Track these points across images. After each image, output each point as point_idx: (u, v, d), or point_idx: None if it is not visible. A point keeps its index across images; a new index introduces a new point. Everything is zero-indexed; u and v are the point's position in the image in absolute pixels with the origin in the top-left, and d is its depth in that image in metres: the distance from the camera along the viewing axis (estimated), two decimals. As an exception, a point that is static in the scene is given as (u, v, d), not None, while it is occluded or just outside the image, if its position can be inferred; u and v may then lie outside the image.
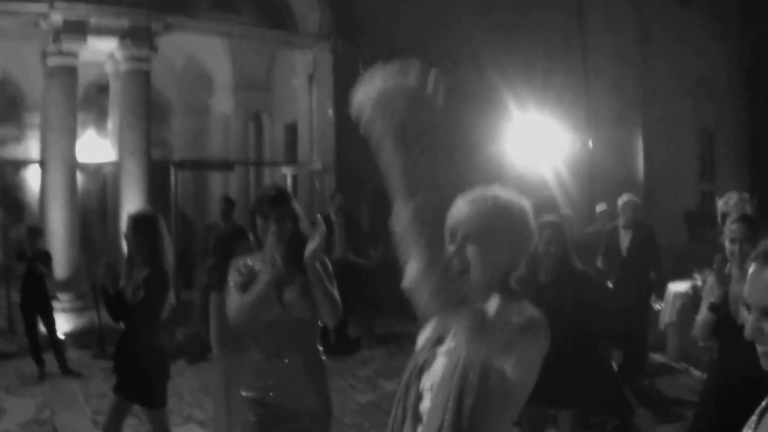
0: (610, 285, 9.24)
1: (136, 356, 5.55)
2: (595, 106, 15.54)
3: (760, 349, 1.89)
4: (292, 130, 17.73)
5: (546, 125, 14.34)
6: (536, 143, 14.43)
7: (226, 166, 17.39)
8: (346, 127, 15.10)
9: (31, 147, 18.01)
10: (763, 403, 1.97)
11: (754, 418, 1.97)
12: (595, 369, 5.65)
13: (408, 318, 10.42)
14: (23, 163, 17.75)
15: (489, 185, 2.55)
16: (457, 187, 2.62)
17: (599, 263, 9.70)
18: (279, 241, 4.18)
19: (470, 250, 2.43)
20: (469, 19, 14.28)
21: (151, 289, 5.44)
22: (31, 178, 18.04)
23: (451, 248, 2.46)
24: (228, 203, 11.56)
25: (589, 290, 5.70)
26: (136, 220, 5.70)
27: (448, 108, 2.31)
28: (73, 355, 10.64)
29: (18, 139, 18.26)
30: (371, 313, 11.98)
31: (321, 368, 4.30)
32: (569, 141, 15.07)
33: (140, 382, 5.51)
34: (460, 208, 2.49)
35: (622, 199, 9.88)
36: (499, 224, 2.43)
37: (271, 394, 4.10)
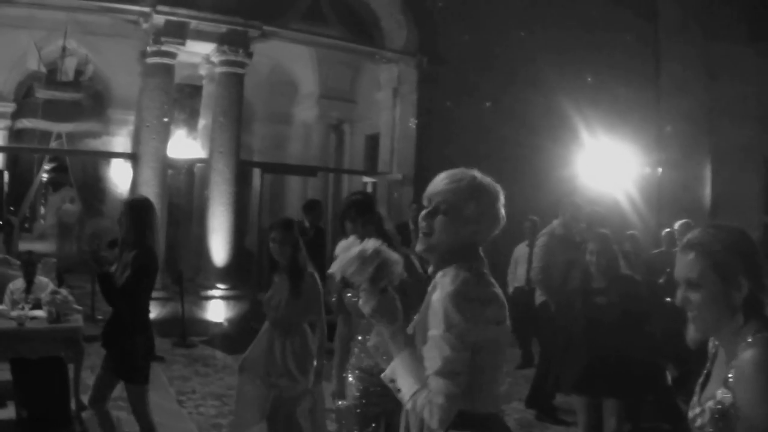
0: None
1: (121, 334, 5.72)
2: (664, 133, 15.72)
3: (689, 315, 2.47)
4: (372, 141, 18.08)
5: (617, 149, 14.57)
6: (607, 167, 14.66)
7: (309, 171, 17.72)
8: (426, 141, 15.43)
9: (115, 142, 18.57)
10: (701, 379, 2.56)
11: (697, 388, 2.56)
12: (643, 366, 6.04)
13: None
14: (111, 156, 18.26)
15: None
16: None
17: (661, 281, 9.90)
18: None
19: (438, 219, 2.74)
20: (546, 43, 14.54)
21: (136, 269, 5.59)
22: (114, 172, 18.62)
23: (423, 213, 2.79)
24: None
25: (636, 291, 6.19)
26: (130, 205, 5.87)
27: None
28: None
29: (102, 134, 18.80)
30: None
31: None
32: (639, 165, 15.27)
33: (124, 359, 5.70)
34: (440, 180, 2.79)
35: (678, 223, 10.17)
36: (469, 202, 2.73)
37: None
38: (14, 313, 7.60)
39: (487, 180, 2.81)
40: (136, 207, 5.82)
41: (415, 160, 15.87)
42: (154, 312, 12.35)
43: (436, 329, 2.56)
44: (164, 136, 13.80)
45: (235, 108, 14.22)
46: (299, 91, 19.48)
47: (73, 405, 7.45)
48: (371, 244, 2.70)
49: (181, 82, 15.15)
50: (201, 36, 13.89)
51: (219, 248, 13.73)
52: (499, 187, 2.83)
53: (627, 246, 9.51)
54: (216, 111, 14.28)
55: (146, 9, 13.49)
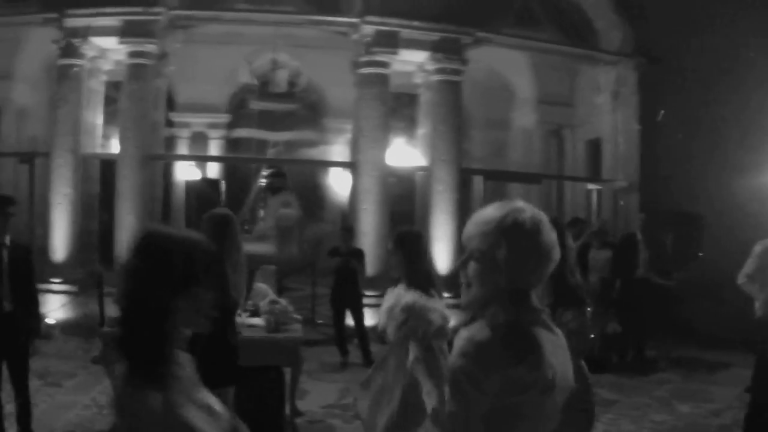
0: None
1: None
2: None
3: None
4: (594, 147, 17.57)
5: None
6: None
7: (532, 178, 17.43)
8: (651, 146, 14.78)
9: (332, 151, 18.99)
10: None
11: None
12: None
13: (702, 344, 9.93)
14: (330, 165, 18.65)
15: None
16: None
17: None
18: None
19: (471, 267, 2.48)
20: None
21: None
22: (332, 179, 18.99)
23: (458, 262, 2.55)
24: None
25: None
26: (205, 217, 6.13)
27: None
28: (374, 348, 11.05)
29: (319, 142, 19.25)
30: (669, 336, 11.63)
31: None
32: None
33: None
34: (470, 223, 2.52)
35: None
36: (499, 247, 2.40)
37: None
38: (233, 321, 7.69)
39: (527, 215, 2.45)
40: (210, 221, 6.07)
41: (640, 165, 15.29)
42: (374, 319, 12.47)
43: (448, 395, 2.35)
44: (382, 144, 13.92)
45: (454, 116, 14.19)
46: (516, 97, 19.16)
47: (287, 410, 7.50)
48: (408, 298, 2.47)
49: (396, 90, 15.20)
50: (413, 44, 13.94)
51: (443, 256, 13.55)
52: (544, 221, 2.49)
53: None
54: (435, 119, 14.26)
55: (355, 20, 13.72)
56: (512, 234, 2.41)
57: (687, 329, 11.87)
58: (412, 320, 2.44)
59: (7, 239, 6.45)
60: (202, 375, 5.74)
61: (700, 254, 12.55)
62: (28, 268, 6.65)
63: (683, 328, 11.80)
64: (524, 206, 2.50)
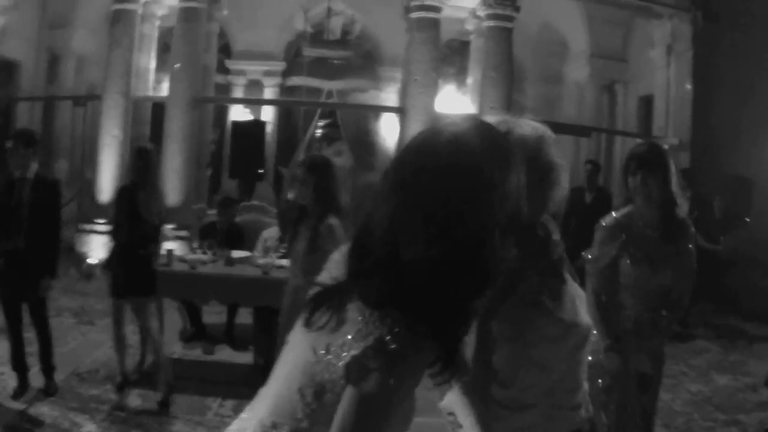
0: None
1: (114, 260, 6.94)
2: None
3: None
4: (646, 103, 17.22)
5: None
6: None
7: (581, 131, 17.16)
8: (704, 104, 14.48)
9: (384, 99, 18.89)
10: None
11: None
12: None
13: (745, 315, 9.72)
14: (378, 110, 18.62)
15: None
16: None
17: None
18: (647, 200, 4.27)
19: None
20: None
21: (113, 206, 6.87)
22: (384, 127, 18.98)
23: None
24: (595, 166, 12.13)
25: None
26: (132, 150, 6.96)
27: None
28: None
29: (371, 90, 19.23)
30: (711, 303, 11.43)
31: None
32: None
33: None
34: None
35: None
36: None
37: None
38: (261, 261, 7.76)
39: (526, 131, 2.30)
40: (133, 153, 7.12)
41: (692, 124, 14.97)
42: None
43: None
44: (432, 90, 13.83)
45: (505, 63, 13.99)
46: (569, 50, 18.91)
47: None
48: None
49: (448, 37, 15.08)
50: (465, -11, 13.73)
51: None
52: (546, 134, 2.35)
53: None
54: (485, 66, 14.13)
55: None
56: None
57: (730, 297, 11.71)
58: None
59: (30, 173, 6.34)
60: (125, 286, 6.66)
61: (747, 220, 12.23)
62: (52, 204, 6.54)
63: (727, 296, 11.62)
64: (520, 120, 2.35)
